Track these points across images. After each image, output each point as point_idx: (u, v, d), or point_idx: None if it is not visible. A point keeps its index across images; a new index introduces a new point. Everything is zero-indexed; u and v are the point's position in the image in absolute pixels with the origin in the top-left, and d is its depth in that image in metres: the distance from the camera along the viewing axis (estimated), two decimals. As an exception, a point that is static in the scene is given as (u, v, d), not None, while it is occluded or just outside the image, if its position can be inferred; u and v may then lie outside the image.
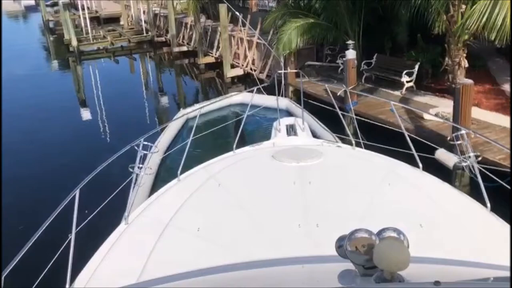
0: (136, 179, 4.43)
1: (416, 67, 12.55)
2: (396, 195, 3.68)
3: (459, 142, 4.31)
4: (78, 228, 3.60)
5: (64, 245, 3.57)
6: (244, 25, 18.29)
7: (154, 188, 7.46)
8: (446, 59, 11.32)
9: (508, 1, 8.04)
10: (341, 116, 7.73)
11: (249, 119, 6.84)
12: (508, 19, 8.03)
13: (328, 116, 9.56)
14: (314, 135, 10.25)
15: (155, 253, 3.09)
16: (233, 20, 19.97)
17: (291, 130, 6.10)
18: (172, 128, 11.99)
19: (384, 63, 13.72)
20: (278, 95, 7.86)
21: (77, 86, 23.04)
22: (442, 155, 8.99)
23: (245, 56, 18.30)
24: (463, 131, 4.30)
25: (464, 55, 11.06)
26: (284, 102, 13.50)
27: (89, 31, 27.97)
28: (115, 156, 4.40)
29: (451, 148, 9.03)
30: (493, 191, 4.01)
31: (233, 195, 3.82)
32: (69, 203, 3.70)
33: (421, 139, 6.17)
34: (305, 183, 3.81)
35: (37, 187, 10.90)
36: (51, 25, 38.47)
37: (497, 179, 4.44)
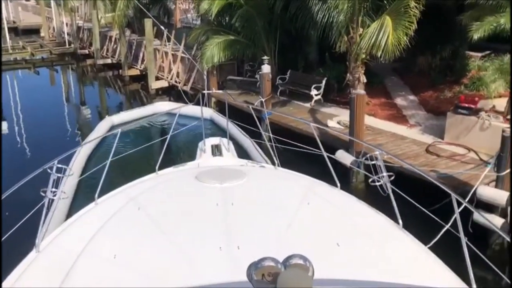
0: (49, 204, 4.11)
1: (324, 82, 14.14)
2: (315, 215, 3.74)
3: (373, 162, 4.35)
4: None
5: None
6: (169, 39, 19.15)
7: (70, 213, 7.13)
8: (348, 75, 12.93)
9: (390, 27, 9.72)
10: (258, 124, 8.78)
11: (173, 136, 6.72)
12: (390, 40, 9.71)
13: (247, 124, 10.70)
14: (237, 142, 11.15)
15: (68, 283, 2.92)
16: (158, 35, 20.72)
17: (216, 150, 6.10)
18: (90, 146, 11.59)
19: (296, 79, 15.20)
20: (203, 112, 8.02)
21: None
22: (341, 155, 10.52)
23: (170, 69, 19.12)
24: (376, 152, 4.35)
25: (363, 71, 12.70)
26: (208, 112, 14.48)
27: (8, 41, 27.23)
28: (25, 179, 4.10)
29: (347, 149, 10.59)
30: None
31: (153, 219, 3.69)
32: None
33: (309, 149, 6.41)
34: (228, 204, 3.78)
35: None
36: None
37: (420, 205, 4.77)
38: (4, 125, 17.41)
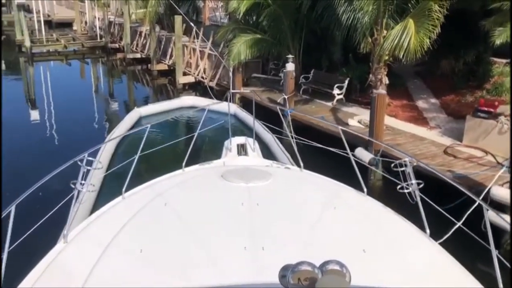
0: (77, 196, 4.16)
1: (346, 82, 14.44)
2: (340, 219, 3.73)
3: (402, 169, 4.30)
4: (12, 246, 3.44)
5: None
6: (197, 36, 19.70)
7: (97, 205, 7.26)
8: (370, 75, 13.19)
9: (413, 29, 9.98)
10: (283, 120, 9.07)
11: (199, 132, 6.83)
12: (412, 42, 9.97)
13: (269, 121, 11.07)
14: (260, 139, 11.43)
15: (94, 275, 2.97)
16: (187, 32, 21.35)
17: (241, 149, 6.10)
18: (118, 138, 11.90)
19: (319, 78, 15.54)
20: (229, 110, 8.08)
21: (26, 87, 23.13)
22: (360, 153, 10.82)
23: (197, 65, 19.67)
24: (406, 159, 4.30)
25: (385, 73, 12.93)
26: (232, 108, 14.90)
27: (43, 33, 28.31)
28: (56, 171, 4.16)
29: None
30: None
31: (179, 215, 3.73)
32: (4, 219, 3.48)
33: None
34: (253, 204, 3.79)
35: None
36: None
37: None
38: (36, 114, 18.17)
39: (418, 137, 11.76)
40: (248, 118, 13.22)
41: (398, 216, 4.00)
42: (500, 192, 8.27)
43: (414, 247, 3.54)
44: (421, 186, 4.13)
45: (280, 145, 11.60)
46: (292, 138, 8.66)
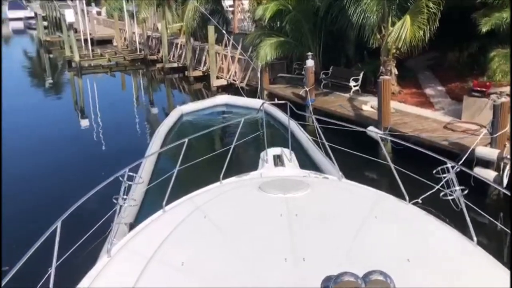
0: (119, 211, 4.26)
1: (361, 75, 16.35)
2: (383, 229, 3.67)
3: (445, 175, 4.21)
4: (59, 261, 3.56)
5: (44, 279, 3.53)
6: (228, 43, 22.06)
7: (138, 219, 7.46)
8: (381, 67, 15.09)
9: (408, 24, 11.89)
10: (309, 112, 10.59)
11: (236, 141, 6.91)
12: (408, 34, 11.88)
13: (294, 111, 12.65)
14: (298, 141, 12.61)
15: None
16: (217, 41, 23.72)
17: (278, 160, 6.12)
18: (159, 146, 12.68)
19: (338, 73, 17.51)
20: (262, 107, 8.21)
21: (74, 98, 25.52)
22: (372, 130, 12.69)
23: (228, 69, 21.99)
24: (449, 165, 4.22)
25: (394, 64, 14.86)
26: (260, 103, 16.82)
27: (89, 49, 31.42)
28: (98, 187, 4.28)
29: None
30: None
31: (219, 227, 3.77)
32: (50, 235, 3.62)
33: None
34: (292, 215, 3.79)
35: (20, 216, 9.60)
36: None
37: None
38: (85, 122, 20.46)
39: (423, 117, 13.51)
40: (278, 111, 14.88)
41: (442, 223, 3.96)
42: (482, 151, 10.03)
43: (461, 255, 3.47)
44: (465, 192, 4.05)
45: (316, 146, 12.15)
46: (314, 122, 10.44)
